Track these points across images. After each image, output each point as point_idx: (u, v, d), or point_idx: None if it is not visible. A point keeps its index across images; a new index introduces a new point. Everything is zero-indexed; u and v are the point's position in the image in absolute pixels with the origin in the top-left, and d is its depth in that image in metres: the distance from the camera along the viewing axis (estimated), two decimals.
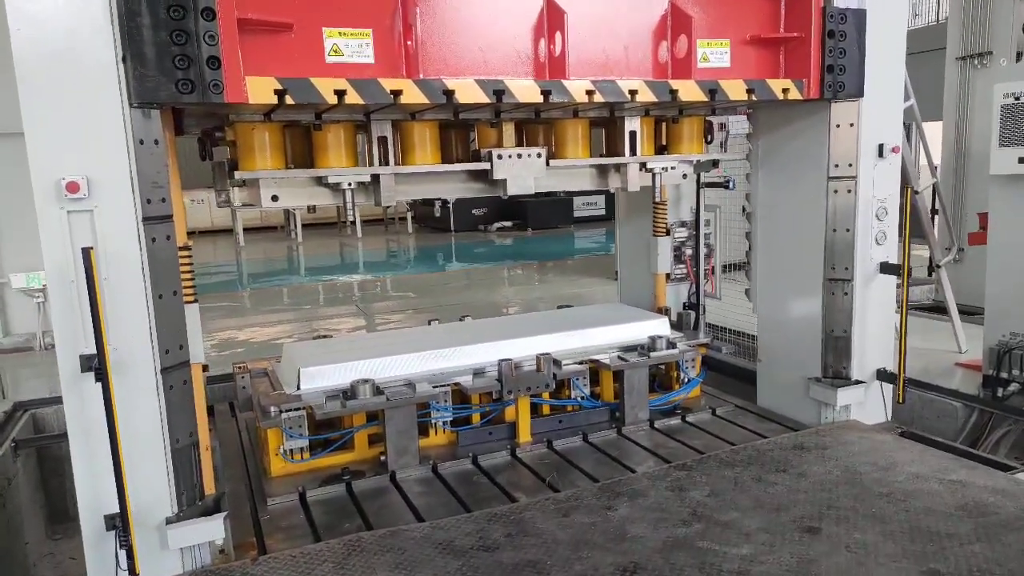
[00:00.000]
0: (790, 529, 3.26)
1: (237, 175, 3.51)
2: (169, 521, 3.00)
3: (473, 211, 19.49)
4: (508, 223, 19.81)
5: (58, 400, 5.71)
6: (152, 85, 2.73)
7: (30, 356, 7.09)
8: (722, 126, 5.02)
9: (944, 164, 8.15)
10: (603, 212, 20.10)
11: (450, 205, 18.70)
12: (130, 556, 2.83)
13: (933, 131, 10.61)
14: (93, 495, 2.92)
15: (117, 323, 2.80)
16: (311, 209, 4.50)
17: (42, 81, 2.67)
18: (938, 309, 7.00)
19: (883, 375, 4.52)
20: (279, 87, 2.96)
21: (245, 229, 17.97)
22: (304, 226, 18.60)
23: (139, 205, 2.83)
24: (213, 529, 3.05)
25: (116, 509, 2.85)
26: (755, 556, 3.05)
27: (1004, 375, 4.99)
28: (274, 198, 3.72)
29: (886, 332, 4.55)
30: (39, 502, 5.57)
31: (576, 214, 20.16)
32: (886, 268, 4.41)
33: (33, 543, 5.22)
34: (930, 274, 6.85)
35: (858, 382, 4.46)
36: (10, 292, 7.11)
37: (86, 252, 2.63)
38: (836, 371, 4.50)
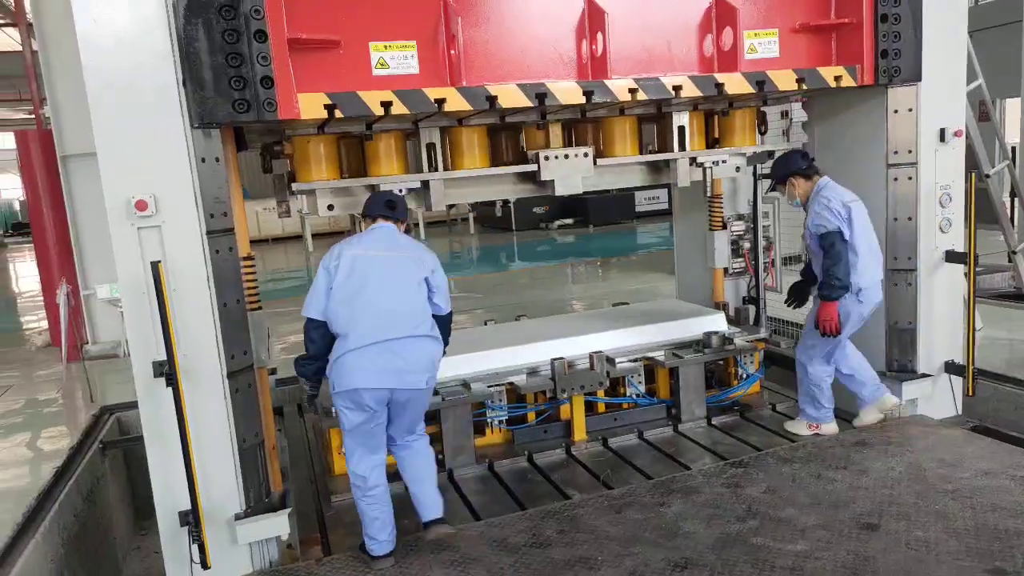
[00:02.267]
0: (848, 526, 3.20)
1: (294, 187, 3.66)
2: (238, 517, 3.17)
3: (534, 209, 19.51)
4: (569, 220, 19.76)
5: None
6: (211, 106, 2.90)
7: (115, 362, 7.50)
8: (784, 114, 4.93)
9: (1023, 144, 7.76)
10: (666, 206, 19.79)
11: (511, 204, 18.81)
12: (202, 550, 3.00)
13: (1014, 109, 10.09)
14: (168, 493, 3.11)
15: (185, 331, 2.98)
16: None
17: (111, 107, 2.88)
18: (1021, 297, 6.67)
19: (952, 367, 4.37)
20: (328, 102, 3.09)
21: (314, 235, 18.52)
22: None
23: (203, 220, 3.01)
24: (279, 525, 3.21)
25: (189, 506, 3.04)
26: (810, 552, 3.02)
27: None
28: (330, 207, 3.86)
29: (954, 323, 4.39)
30: (126, 500, 5.92)
31: (638, 209, 19.95)
32: (952, 257, 4.26)
33: (121, 538, 5.54)
34: (1009, 260, 6.55)
35: (925, 375, 4.33)
36: (96, 302, 7.53)
37: (154, 265, 2.82)
38: (902, 364, 4.37)
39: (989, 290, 7.15)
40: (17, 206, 39.71)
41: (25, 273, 20.30)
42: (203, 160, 2.99)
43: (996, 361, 5.27)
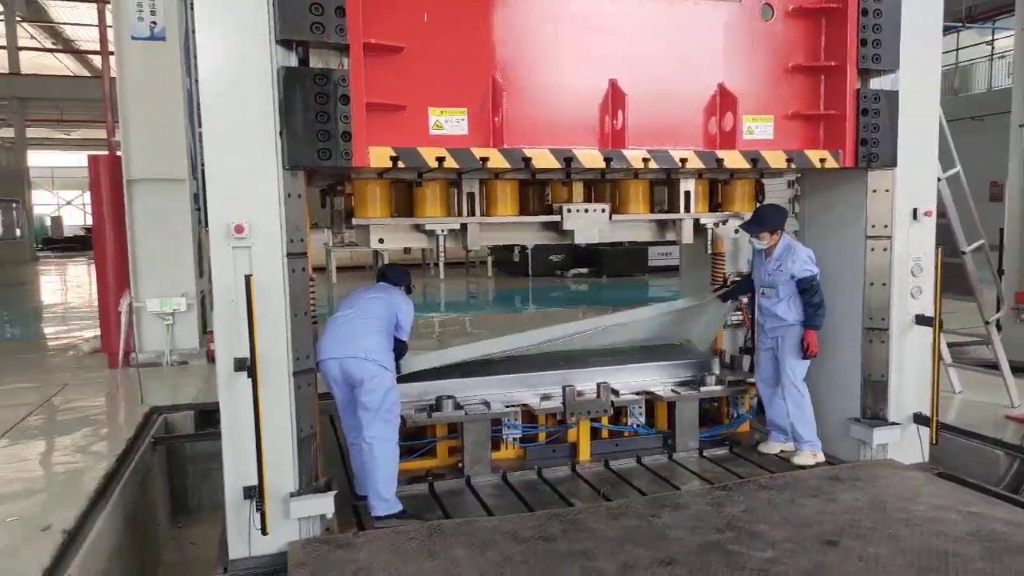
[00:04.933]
0: (812, 541, 3.73)
1: (354, 221, 4.32)
2: (292, 495, 3.74)
3: (550, 257, 20.22)
4: (584, 270, 20.44)
5: (186, 407, 6.71)
6: (300, 153, 3.57)
7: (158, 370, 8.14)
8: (791, 183, 5.60)
9: (1009, 226, 8.35)
10: (677, 262, 20.44)
11: (528, 251, 19.50)
12: (263, 518, 3.57)
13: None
14: (236, 469, 3.69)
15: (263, 334, 3.59)
16: (406, 251, 5.28)
17: (223, 146, 3.55)
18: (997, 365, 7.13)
19: (919, 418, 4.89)
20: (393, 154, 3.76)
21: (337, 268, 19.32)
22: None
23: (284, 244, 3.66)
24: (325, 504, 3.78)
25: (253, 482, 3.62)
26: (777, 559, 3.54)
27: None
28: (380, 240, 4.51)
29: (923, 379, 4.91)
30: (165, 494, 6.47)
31: (651, 263, 20.61)
32: (921, 320, 4.82)
33: (162, 528, 6.09)
34: (999, 329, 7.05)
35: (894, 423, 4.85)
36: (145, 315, 8.21)
37: (247, 279, 3.45)
38: (874, 412, 4.90)
39: (975, 359, 7.67)
40: (48, 222, 41.07)
41: (54, 287, 21.10)
42: (288, 195, 3.65)
43: (965, 420, 5.80)
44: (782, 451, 5.11)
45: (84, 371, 8.32)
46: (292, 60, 3.58)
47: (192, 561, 5.72)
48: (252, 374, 3.50)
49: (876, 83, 4.54)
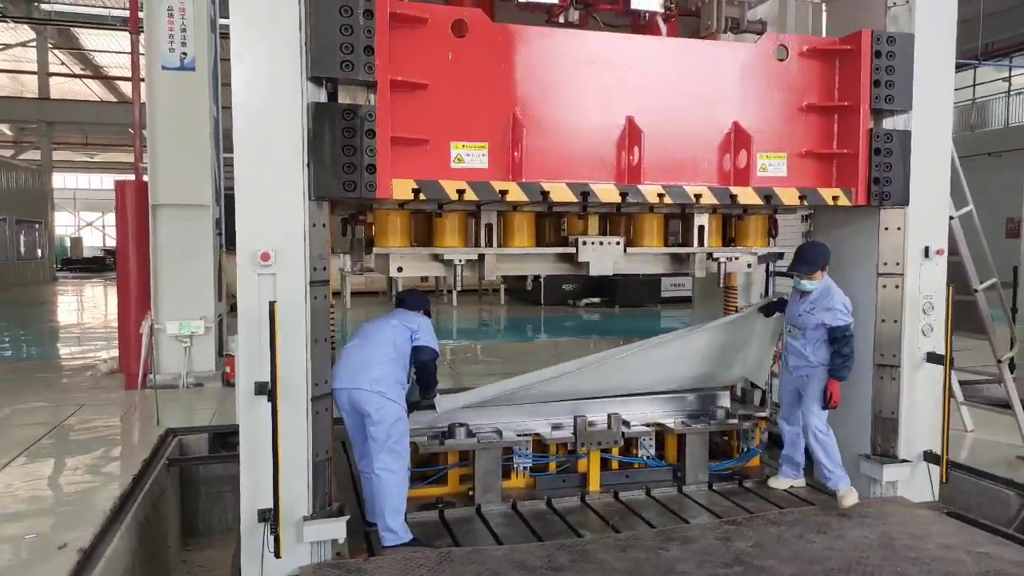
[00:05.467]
0: None
1: (376, 250, 4.42)
2: (305, 519, 3.80)
3: (563, 286, 20.28)
4: (596, 299, 20.49)
5: (201, 429, 6.80)
6: (326, 184, 3.69)
7: (175, 392, 8.24)
8: (805, 218, 5.67)
9: None
10: (689, 294, 20.45)
11: (542, 279, 19.59)
12: (277, 541, 3.63)
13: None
14: (251, 491, 3.76)
15: (284, 359, 3.68)
16: (423, 279, 5.39)
17: (252, 176, 3.67)
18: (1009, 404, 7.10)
19: (930, 456, 4.90)
20: (415, 187, 3.88)
21: (352, 293, 19.54)
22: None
23: (307, 272, 3.76)
24: (338, 528, 3.83)
25: (268, 505, 3.68)
26: None
27: None
28: (399, 269, 4.60)
29: (934, 416, 4.92)
30: (176, 517, 6.53)
31: (664, 294, 20.64)
32: (932, 357, 4.85)
33: (172, 550, 6.13)
34: (1011, 370, 7.05)
35: (904, 461, 4.86)
36: (164, 337, 8.34)
37: (271, 305, 3.55)
38: (884, 449, 4.92)
39: (988, 397, 7.64)
40: (68, 243, 41.71)
41: (71, 307, 21.36)
42: (313, 225, 3.77)
43: (977, 460, 5.78)
44: (792, 487, 5.11)
45: (101, 391, 8.44)
46: (322, 95, 3.72)
47: None
48: (272, 398, 3.58)
49: (889, 123, 4.63)
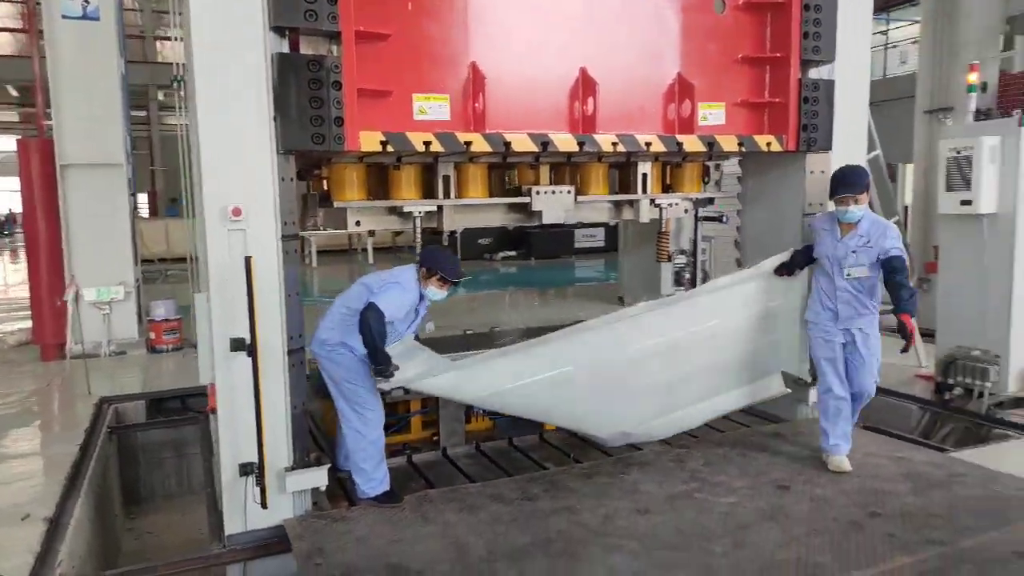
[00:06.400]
0: (767, 487, 4.16)
1: (335, 203, 4.41)
2: (287, 470, 3.86)
3: (479, 240, 20.40)
4: (513, 252, 20.75)
5: (137, 396, 6.60)
6: (294, 137, 3.67)
7: (97, 361, 7.90)
8: (717, 167, 6.03)
9: (914, 204, 9.16)
10: (602, 244, 21.08)
11: (457, 235, 19.60)
12: (263, 493, 3.69)
13: (910, 173, 11.60)
14: (231, 447, 3.78)
15: (260, 315, 3.69)
16: (371, 234, 5.39)
17: (218, 132, 3.60)
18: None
19: None
20: (383, 139, 3.90)
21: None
22: (320, 252, 19.46)
23: (278, 227, 3.75)
24: (320, 476, 3.92)
25: (249, 459, 3.72)
26: (739, 503, 3.95)
27: (950, 381, 5.91)
28: (357, 223, 4.62)
29: None
30: (117, 485, 6.37)
31: (577, 245, 21.15)
32: None
33: (118, 519, 6.01)
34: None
35: None
36: (82, 304, 7.94)
37: (247, 260, 3.54)
38: (814, 375, 5.38)
39: (887, 326, 8.41)
40: None
41: None
42: (282, 179, 3.74)
43: (891, 381, 6.43)
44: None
45: (15, 365, 7.99)
46: (284, 47, 3.67)
47: (153, 549, 5.69)
48: (252, 353, 3.59)
49: (815, 73, 4.97)
